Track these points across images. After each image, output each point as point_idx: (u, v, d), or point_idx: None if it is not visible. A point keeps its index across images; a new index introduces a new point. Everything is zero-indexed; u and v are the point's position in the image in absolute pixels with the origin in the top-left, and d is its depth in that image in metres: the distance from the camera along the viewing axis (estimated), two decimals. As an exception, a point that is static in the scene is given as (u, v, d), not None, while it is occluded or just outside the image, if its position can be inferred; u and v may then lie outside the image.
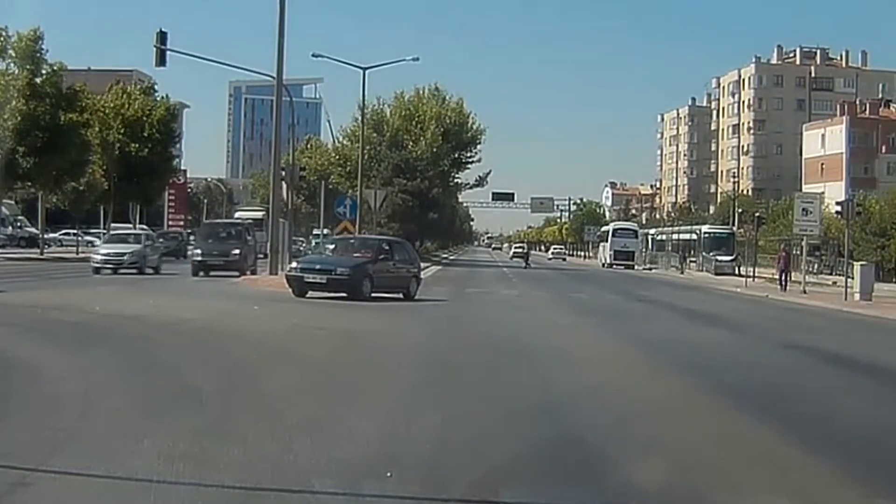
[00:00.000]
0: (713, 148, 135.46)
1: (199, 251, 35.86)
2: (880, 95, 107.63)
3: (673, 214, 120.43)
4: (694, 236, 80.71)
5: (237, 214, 67.33)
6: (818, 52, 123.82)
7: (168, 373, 11.32)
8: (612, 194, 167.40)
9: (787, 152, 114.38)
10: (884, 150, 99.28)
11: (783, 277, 42.29)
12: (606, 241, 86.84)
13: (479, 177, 78.63)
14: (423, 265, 34.88)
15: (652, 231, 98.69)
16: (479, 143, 73.98)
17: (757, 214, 64.35)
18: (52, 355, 12.12)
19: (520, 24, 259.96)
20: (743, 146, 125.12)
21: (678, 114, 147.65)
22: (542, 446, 7.79)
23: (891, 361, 16.29)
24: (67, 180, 51.51)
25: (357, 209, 46.37)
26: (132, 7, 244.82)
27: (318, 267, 25.55)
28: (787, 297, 37.49)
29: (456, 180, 76.85)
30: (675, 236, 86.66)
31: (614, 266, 78.41)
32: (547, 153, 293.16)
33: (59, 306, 19.02)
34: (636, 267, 79.44)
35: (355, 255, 26.58)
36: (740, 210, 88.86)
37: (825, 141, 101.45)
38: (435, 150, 68.64)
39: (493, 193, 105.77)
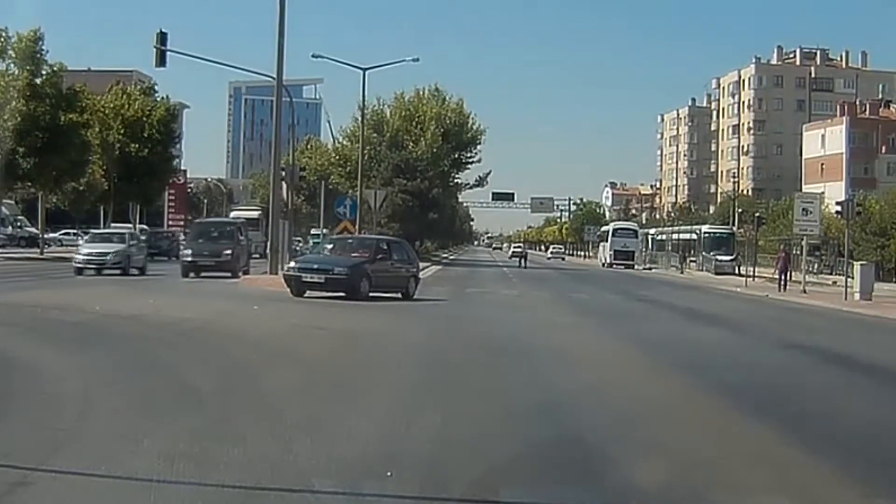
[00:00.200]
0: (713, 148, 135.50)
1: (189, 251, 34.45)
2: (880, 96, 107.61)
3: (673, 214, 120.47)
4: (694, 236, 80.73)
5: (232, 214, 67.11)
6: (818, 52, 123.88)
7: (168, 373, 11.32)
8: (612, 194, 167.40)
9: (787, 152, 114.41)
10: (884, 151, 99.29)
11: (782, 277, 42.29)
12: (606, 240, 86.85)
13: (479, 177, 78.74)
14: (423, 265, 34.93)
15: (652, 231, 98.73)
16: (479, 143, 74.05)
17: (757, 214, 64.37)
18: (52, 355, 12.13)
19: (520, 24, 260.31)
20: (743, 146, 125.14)
21: (678, 114, 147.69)
22: (542, 446, 7.80)
23: (891, 361, 16.28)
24: (67, 180, 51.63)
25: (357, 209, 46.42)
26: (132, 8, 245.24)
27: (315, 267, 25.56)
28: (787, 296, 37.48)
29: (456, 180, 76.89)
30: (675, 236, 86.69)
31: (614, 266, 78.44)
32: (547, 153, 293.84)
33: (59, 306, 19.04)
34: (636, 267, 79.46)
35: (353, 254, 26.58)
36: (740, 210, 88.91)
37: (825, 141, 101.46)
38: (435, 150, 68.64)
39: (493, 193, 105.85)
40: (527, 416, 9.20)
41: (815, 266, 56.66)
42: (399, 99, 72.82)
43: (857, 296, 34.62)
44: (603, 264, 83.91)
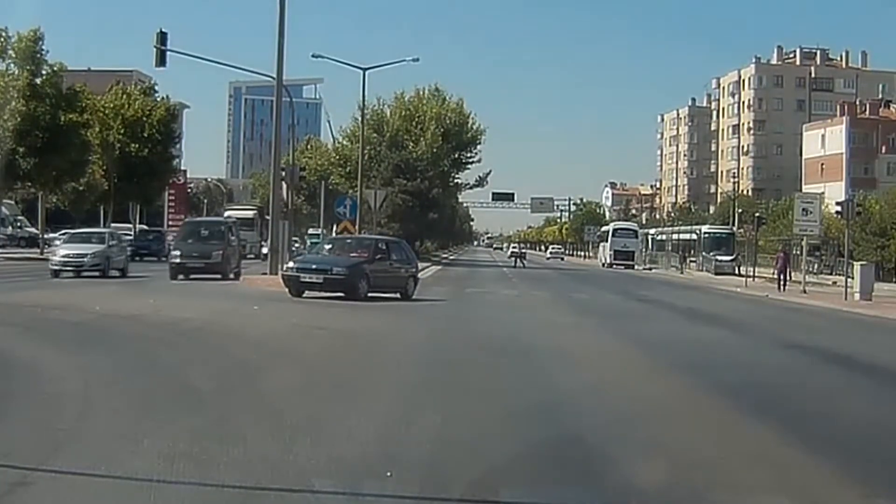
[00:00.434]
0: (713, 148, 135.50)
1: (177, 252, 32.54)
2: (880, 96, 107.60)
3: (673, 214, 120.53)
4: (694, 236, 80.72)
5: (226, 213, 66.45)
6: (818, 52, 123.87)
7: (168, 373, 11.33)
8: (612, 194, 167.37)
9: (787, 152, 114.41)
10: (884, 151, 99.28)
11: (781, 277, 42.33)
12: (606, 240, 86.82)
13: (479, 177, 78.69)
14: (422, 265, 34.92)
15: (652, 231, 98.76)
16: (479, 143, 74.00)
17: (757, 214, 64.39)
18: (53, 355, 12.14)
19: (520, 25, 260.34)
20: (743, 146, 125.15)
21: (678, 114, 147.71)
22: (543, 446, 7.80)
23: (891, 362, 16.30)
24: (67, 180, 51.64)
25: (357, 209, 46.42)
26: (132, 7, 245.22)
27: (314, 267, 25.51)
28: (787, 297, 37.49)
29: (456, 180, 76.84)
30: (674, 236, 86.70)
31: (614, 266, 78.42)
32: (547, 153, 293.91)
33: (59, 306, 19.05)
34: (636, 267, 79.44)
35: (352, 254, 26.54)
36: (740, 210, 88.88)
37: (825, 141, 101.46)
38: (435, 150, 68.63)
39: (493, 193, 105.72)
40: (527, 416, 9.20)
41: (815, 266, 56.66)
42: (399, 99, 72.83)
43: (857, 296, 34.63)
44: (603, 264, 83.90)
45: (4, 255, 46.13)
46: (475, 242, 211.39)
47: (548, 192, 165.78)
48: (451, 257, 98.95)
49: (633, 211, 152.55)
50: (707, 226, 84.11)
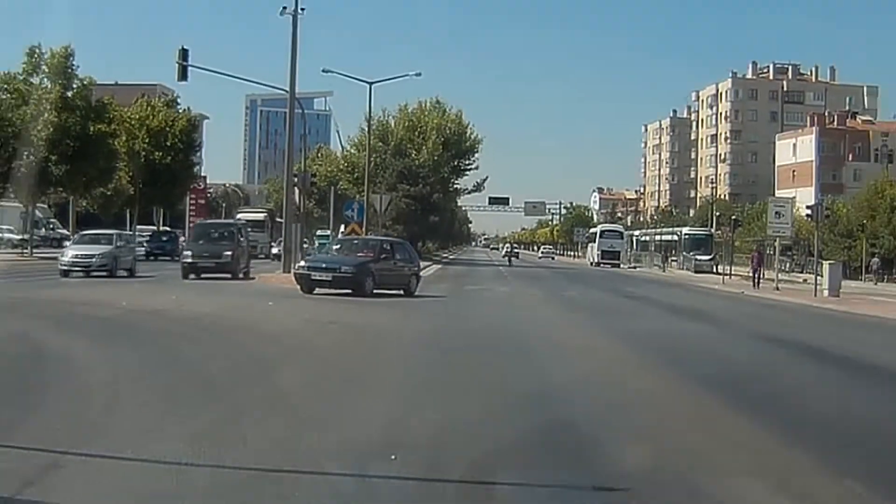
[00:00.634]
0: (693, 156, 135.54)
1: (189, 253, 31.80)
2: (847, 108, 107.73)
3: (655, 217, 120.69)
4: (675, 237, 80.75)
5: (238, 215, 66.31)
6: (790, 67, 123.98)
7: (190, 366, 11.32)
8: (600, 199, 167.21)
9: (761, 160, 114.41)
10: (850, 159, 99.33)
11: (756, 275, 42.37)
12: (594, 241, 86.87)
13: (477, 182, 78.91)
14: (424, 264, 34.87)
15: (636, 232, 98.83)
16: (477, 151, 73.97)
17: (733, 217, 64.56)
18: (84, 347, 12.11)
19: (517, 41, 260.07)
20: (720, 154, 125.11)
21: (661, 125, 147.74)
22: (536, 432, 7.79)
23: (860, 354, 16.29)
24: (96, 186, 51.62)
25: (364, 212, 46.40)
26: (157, 25, 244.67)
27: (324, 266, 25.54)
28: (762, 293, 37.47)
29: (455, 186, 76.81)
30: (657, 237, 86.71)
31: (601, 265, 78.39)
32: (540, 160, 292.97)
33: (87, 302, 19.06)
34: (622, 266, 79.42)
35: (359, 254, 26.57)
36: (718, 213, 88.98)
37: (796, 150, 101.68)
38: (436, 158, 68.64)
39: (490, 198, 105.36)
40: (522, 405, 9.19)
41: (787, 265, 56.75)
42: (403, 110, 72.81)
43: (825, 292, 34.62)
44: (591, 263, 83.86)
45: (38, 255, 46.11)
46: (473, 243, 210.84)
47: (540, 197, 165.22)
48: (451, 257, 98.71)
49: (619, 214, 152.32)
50: (687, 228, 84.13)
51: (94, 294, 21.44)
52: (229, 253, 31.57)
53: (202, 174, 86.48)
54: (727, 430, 8.35)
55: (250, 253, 35.92)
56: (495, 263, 74.59)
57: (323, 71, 61.20)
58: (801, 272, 55.39)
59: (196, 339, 13.91)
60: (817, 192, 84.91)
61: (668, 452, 7.21)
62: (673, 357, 14.22)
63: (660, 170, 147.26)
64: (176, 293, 23.06)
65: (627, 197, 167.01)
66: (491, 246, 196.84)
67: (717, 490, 6.04)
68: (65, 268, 29.64)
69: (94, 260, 29.93)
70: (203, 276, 29.97)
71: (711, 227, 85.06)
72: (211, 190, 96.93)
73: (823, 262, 39.60)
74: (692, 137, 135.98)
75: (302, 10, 34.93)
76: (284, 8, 35.13)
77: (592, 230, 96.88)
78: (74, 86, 46.96)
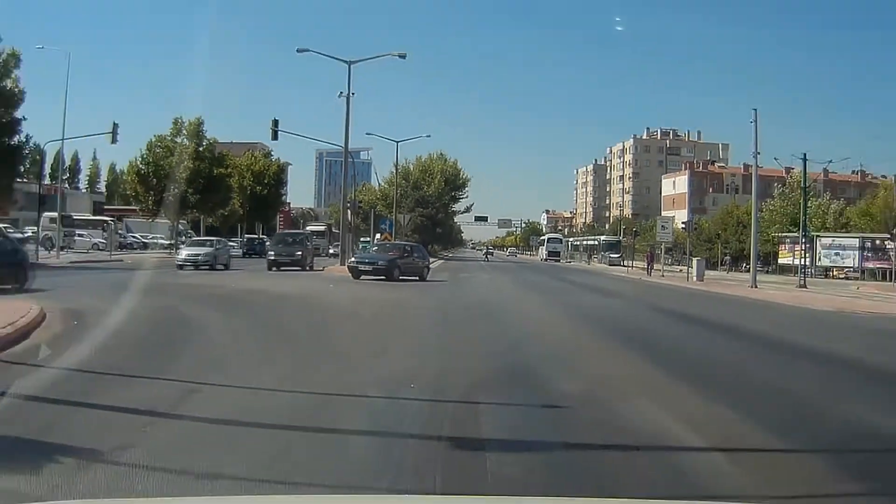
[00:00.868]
0: (607, 189, 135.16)
1: (272, 253, 30.36)
2: (709, 158, 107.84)
3: (583, 229, 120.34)
4: (596, 242, 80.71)
5: (308, 228, 66.02)
6: (671, 131, 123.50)
7: (278, 325, 11.33)
8: (547, 217, 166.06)
9: (652, 192, 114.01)
10: (710, 191, 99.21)
11: (649, 267, 42.38)
12: (543, 245, 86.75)
13: (467, 207, 78.93)
14: (432, 260, 34.71)
15: (571, 239, 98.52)
16: (467, 186, 73.88)
17: (634, 230, 64.52)
18: (211, 314, 12.08)
19: (500, 115, 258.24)
20: (625, 188, 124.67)
21: (587, 168, 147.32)
22: (504, 370, 7.78)
23: (714, 316, 16.24)
24: (218, 209, 51.51)
25: (393, 226, 46.50)
26: (259, 100, 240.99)
27: (367, 261, 25.53)
28: (653, 279, 37.33)
29: (452, 209, 76.84)
30: (584, 242, 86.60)
31: (548, 260, 78.08)
32: (509, 190, 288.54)
33: (206, 285, 18.98)
34: (561, 261, 79.20)
35: (390, 253, 26.53)
36: (624, 227, 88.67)
37: (675, 185, 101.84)
38: (440, 191, 68.66)
39: (475, 216, 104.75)
40: (495, 352, 9.19)
41: (669, 261, 56.53)
42: (418, 159, 72.35)
43: (694, 278, 34.53)
44: (541, 259, 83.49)
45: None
46: (464, 247, 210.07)
47: (508, 215, 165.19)
48: (449, 256, 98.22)
49: (559, 227, 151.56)
50: (604, 236, 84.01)
51: (208, 280, 21.32)
52: (300, 253, 30.39)
53: (287, 201, 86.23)
54: (630, 368, 8.37)
55: (314, 253, 34.84)
56: (479, 260, 74.36)
57: (366, 133, 62.14)
58: (679, 265, 55.20)
59: (280, 309, 13.90)
60: (689, 213, 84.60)
61: (592, 383, 7.23)
62: (594, 320, 14.20)
63: (586, 198, 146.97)
64: (264, 279, 23.03)
65: (565, 216, 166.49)
66: (476, 248, 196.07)
67: (624, 408, 6.04)
68: (180, 263, 27.77)
69: (199, 258, 28.25)
70: (281, 268, 28.99)
71: (620, 235, 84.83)
72: (293, 211, 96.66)
73: (692, 258, 39.53)
74: (607, 177, 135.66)
75: (352, 94, 34.89)
76: (341, 93, 35.13)
77: (542, 237, 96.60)
78: (204, 143, 46.88)
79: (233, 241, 49.78)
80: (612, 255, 69.29)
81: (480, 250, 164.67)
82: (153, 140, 46.21)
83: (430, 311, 14.61)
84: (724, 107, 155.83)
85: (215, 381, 6.39)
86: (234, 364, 7.53)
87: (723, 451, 4.72)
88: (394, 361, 8.01)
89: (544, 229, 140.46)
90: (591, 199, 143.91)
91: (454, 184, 72.36)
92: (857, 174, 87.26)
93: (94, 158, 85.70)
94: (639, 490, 3.88)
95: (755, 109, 31.80)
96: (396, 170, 64.84)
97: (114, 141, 34.19)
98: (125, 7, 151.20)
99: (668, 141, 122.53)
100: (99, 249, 41.90)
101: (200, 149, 46.33)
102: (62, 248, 35.60)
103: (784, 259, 53.42)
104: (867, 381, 8.21)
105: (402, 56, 34.97)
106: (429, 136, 59.80)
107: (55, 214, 36.43)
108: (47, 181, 41.85)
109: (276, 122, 34.86)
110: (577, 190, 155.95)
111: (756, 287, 29.52)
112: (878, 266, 48.02)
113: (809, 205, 43.59)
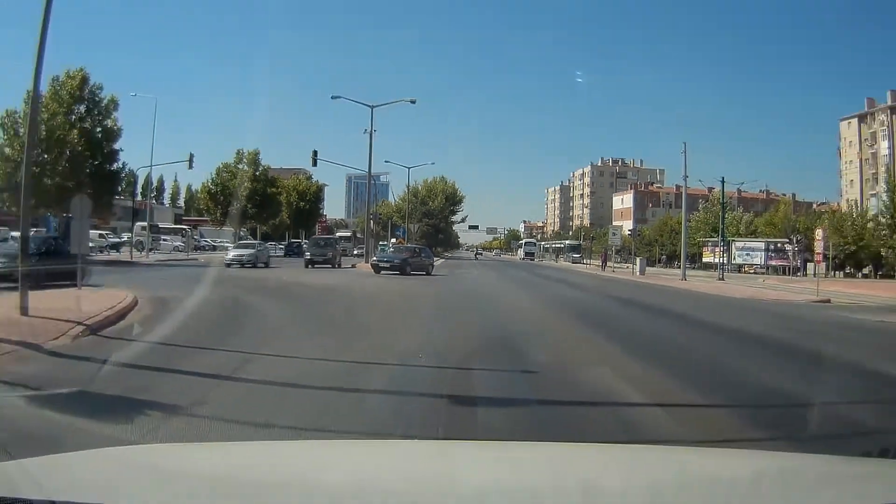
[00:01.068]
0: (571, 205, 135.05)
1: (308, 253, 29.32)
2: (649, 180, 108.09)
3: (552, 235, 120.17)
4: (563, 245, 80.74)
5: (337, 234, 65.93)
6: (620, 160, 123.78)
7: (317, 309, 11.31)
8: (524, 226, 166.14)
9: (605, 206, 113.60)
10: (650, 206, 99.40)
11: (603, 264, 42.36)
12: (522, 247, 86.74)
13: (463, 217, 79.19)
14: (435, 259, 34.64)
15: (543, 242, 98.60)
16: (462, 202, 74.48)
17: (591, 236, 64.45)
18: (263, 300, 12.07)
19: (488, 140, 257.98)
20: (585, 203, 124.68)
21: (555, 188, 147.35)
22: (493, 345, 7.77)
23: (655, 302, 16.16)
24: (270, 220, 51.59)
25: (405, 233, 46.53)
26: (304, 133, 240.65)
27: (385, 259, 25.53)
28: (606, 273, 37.23)
29: (451, 220, 77.03)
30: (553, 245, 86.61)
31: (525, 259, 78.01)
32: (496, 204, 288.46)
33: (256, 278, 18.86)
34: (535, 260, 79.04)
35: (403, 254, 26.57)
36: (584, 233, 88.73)
37: (623, 201, 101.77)
38: (441, 206, 68.88)
39: (469, 225, 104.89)
40: (486, 332, 9.17)
41: (619, 259, 56.43)
42: (424, 181, 72.70)
43: (638, 273, 34.52)
44: (520, 259, 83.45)
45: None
46: (460, 249, 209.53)
47: (494, 224, 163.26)
48: (449, 256, 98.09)
49: (534, 234, 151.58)
50: (569, 241, 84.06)
51: (257, 275, 21.12)
52: (330, 253, 29.70)
53: (324, 213, 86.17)
54: (590, 343, 8.36)
55: (341, 253, 34.36)
56: (471, 259, 74.35)
57: (385, 161, 61.38)
58: (626, 263, 55.16)
59: (318, 296, 13.86)
60: (634, 223, 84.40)
61: (560, 354, 7.23)
62: (562, 305, 14.16)
63: (555, 211, 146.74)
64: (303, 275, 22.94)
65: (538, 225, 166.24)
66: (469, 250, 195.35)
67: (584, 373, 6.03)
68: (227, 262, 26.28)
69: (244, 258, 26.18)
70: (315, 266, 28.14)
71: (580, 240, 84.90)
72: (328, 221, 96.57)
73: (637, 257, 39.49)
74: (570, 195, 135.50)
75: (375, 130, 34.86)
76: (365, 130, 35.03)
77: (520, 242, 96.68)
78: (260, 169, 46.93)
79: (281, 245, 49.76)
80: (574, 255, 69.36)
81: (472, 251, 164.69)
82: (220, 166, 46.35)
83: (433, 299, 14.56)
84: (661, 140, 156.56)
85: (267, 352, 6.37)
86: (282, 339, 7.51)
87: (660, 406, 4.71)
88: (405, 337, 8.00)
89: (522, 235, 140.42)
90: (559, 212, 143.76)
91: (453, 200, 72.62)
92: (763, 192, 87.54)
93: (175, 180, 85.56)
94: (596, 436, 3.89)
95: (685, 143, 32.27)
96: (408, 190, 64.82)
97: (190, 167, 34.51)
98: (198, 62, 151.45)
99: (617, 167, 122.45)
100: (179, 251, 41.94)
101: (257, 173, 46.42)
102: (151, 250, 35.98)
103: (707, 258, 53.64)
104: (773, 353, 8.21)
105: (413, 101, 34.95)
106: (433, 164, 59.99)
107: (145, 224, 36.86)
108: (139, 198, 41.67)
109: (315, 153, 34.80)
110: (547, 205, 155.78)
111: (686, 280, 29.49)
112: (779, 263, 48.86)
113: (726, 216, 43.71)
